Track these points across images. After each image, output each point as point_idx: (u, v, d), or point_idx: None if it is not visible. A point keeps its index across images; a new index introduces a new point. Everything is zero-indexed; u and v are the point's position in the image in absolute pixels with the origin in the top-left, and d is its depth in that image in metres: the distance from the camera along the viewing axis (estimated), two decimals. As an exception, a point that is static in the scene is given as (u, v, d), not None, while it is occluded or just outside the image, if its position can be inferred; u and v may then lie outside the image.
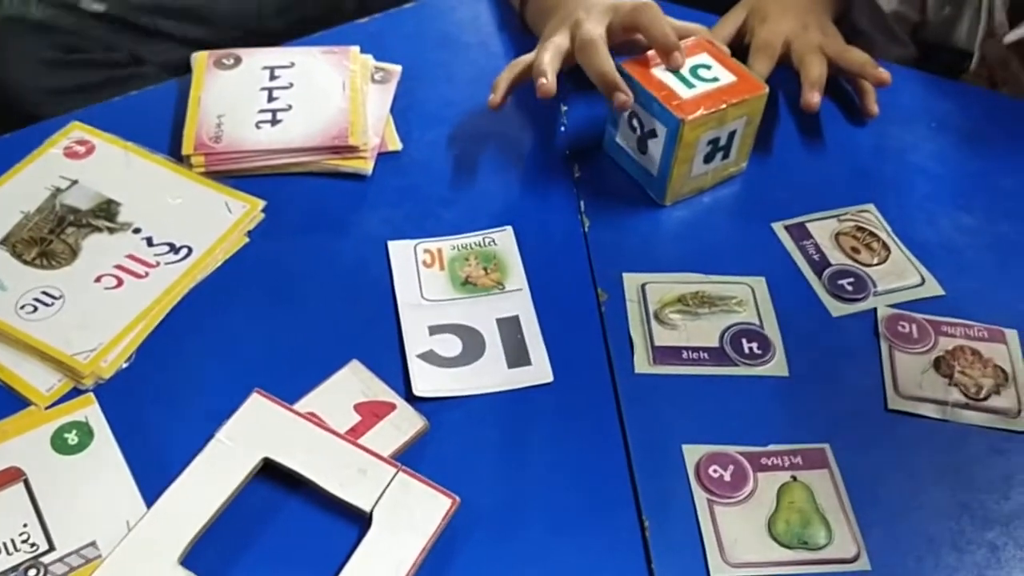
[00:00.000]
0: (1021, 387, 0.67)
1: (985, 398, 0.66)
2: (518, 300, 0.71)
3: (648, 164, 0.77)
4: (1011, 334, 0.70)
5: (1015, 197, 0.81)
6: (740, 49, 0.86)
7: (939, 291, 0.73)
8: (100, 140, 0.79)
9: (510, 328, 0.69)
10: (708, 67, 0.76)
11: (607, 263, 0.74)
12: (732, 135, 0.76)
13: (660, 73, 0.75)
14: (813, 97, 0.82)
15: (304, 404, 0.63)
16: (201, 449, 0.60)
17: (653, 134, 0.75)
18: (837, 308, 0.71)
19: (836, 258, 0.75)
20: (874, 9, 0.96)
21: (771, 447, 0.63)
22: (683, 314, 0.70)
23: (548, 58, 0.77)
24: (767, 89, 0.75)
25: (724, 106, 0.73)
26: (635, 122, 0.76)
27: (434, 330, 0.69)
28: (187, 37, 1.06)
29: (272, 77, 0.84)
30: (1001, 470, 0.63)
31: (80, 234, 0.72)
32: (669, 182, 0.76)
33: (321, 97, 0.82)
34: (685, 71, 0.75)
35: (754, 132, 0.78)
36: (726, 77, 0.75)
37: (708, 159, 0.77)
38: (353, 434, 0.62)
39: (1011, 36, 0.88)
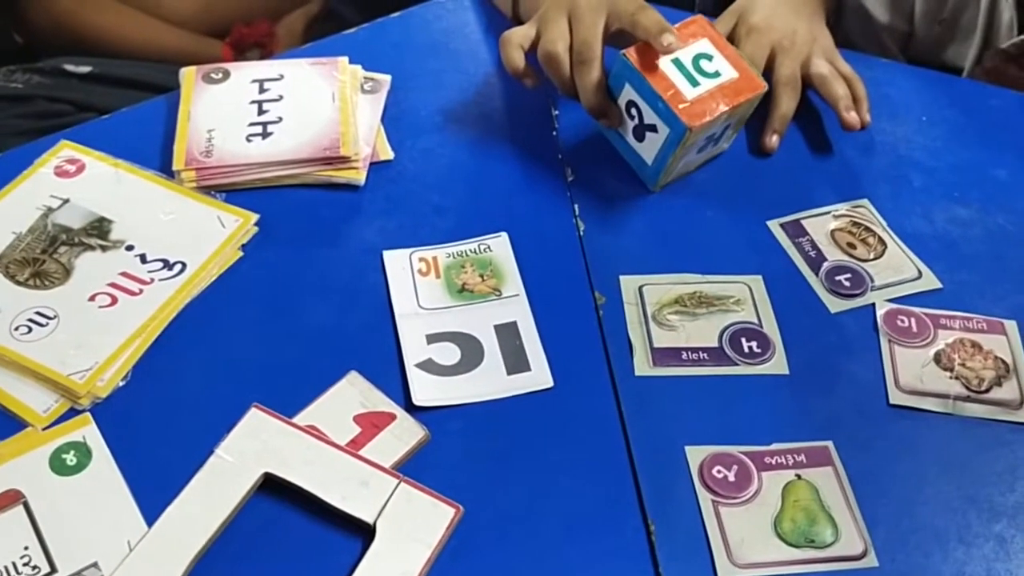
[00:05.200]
0: (1023, 378, 0.66)
1: (987, 390, 0.66)
2: (515, 306, 0.71)
3: (643, 152, 0.77)
4: (1010, 325, 0.69)
5: (1009, 188, 0.81)
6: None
7: (936, 284, 0.72)
8: (90, 158, 0.79)
9: (508, 334, 0.69)
10: (710, 58, 0.74)
11: (603, 266, 0.73)
12: (727, 127, 0.77)
13: (664, 65, 0.73)
14: (770, 140, 0.82)
15: (303, 417, 0.63)
16: (201, 466, 0.59)
17: (654, 129, 0.74)
18: (835, 304, 0.71)
19: (832, 254, 0.74)
20: (865, 21, 0.95)
21: (774, 446, 0.62)
22: (681, 315, 0.70)
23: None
24: (766, 87, 0.75)
25: (727, 108, 0.72)
26: (634, 111, 0.75)
27: (432, 339, 0.68)
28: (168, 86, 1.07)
29: (262, 90, 0.84)
30: (1006, 462, 0.62)
31: (73, 253, 0.72)
32: (663, 173, 0.77)
33: (311, 108, 0.82)
34: (688, 63, 0.73)
35: (745, 119, 0.78)
36: (727, 71, 0.74)
37: (701, 150, 0.77)
38: (354, 446, 0.61)
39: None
